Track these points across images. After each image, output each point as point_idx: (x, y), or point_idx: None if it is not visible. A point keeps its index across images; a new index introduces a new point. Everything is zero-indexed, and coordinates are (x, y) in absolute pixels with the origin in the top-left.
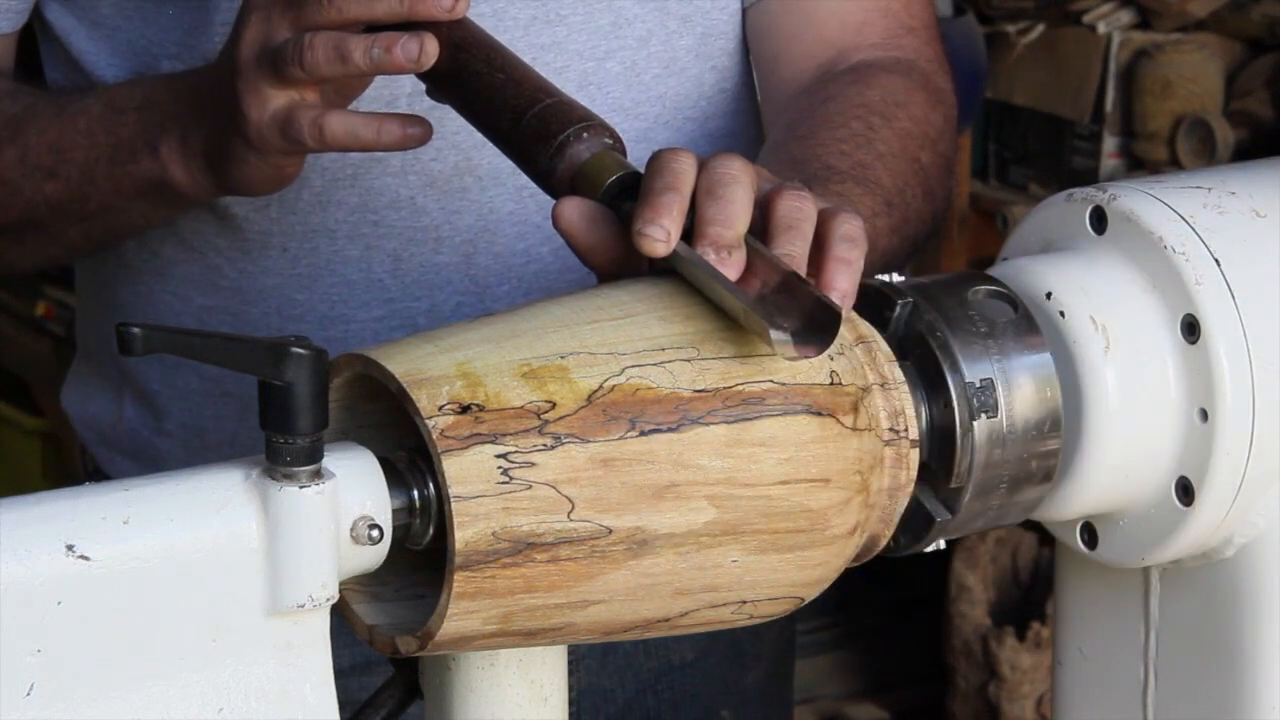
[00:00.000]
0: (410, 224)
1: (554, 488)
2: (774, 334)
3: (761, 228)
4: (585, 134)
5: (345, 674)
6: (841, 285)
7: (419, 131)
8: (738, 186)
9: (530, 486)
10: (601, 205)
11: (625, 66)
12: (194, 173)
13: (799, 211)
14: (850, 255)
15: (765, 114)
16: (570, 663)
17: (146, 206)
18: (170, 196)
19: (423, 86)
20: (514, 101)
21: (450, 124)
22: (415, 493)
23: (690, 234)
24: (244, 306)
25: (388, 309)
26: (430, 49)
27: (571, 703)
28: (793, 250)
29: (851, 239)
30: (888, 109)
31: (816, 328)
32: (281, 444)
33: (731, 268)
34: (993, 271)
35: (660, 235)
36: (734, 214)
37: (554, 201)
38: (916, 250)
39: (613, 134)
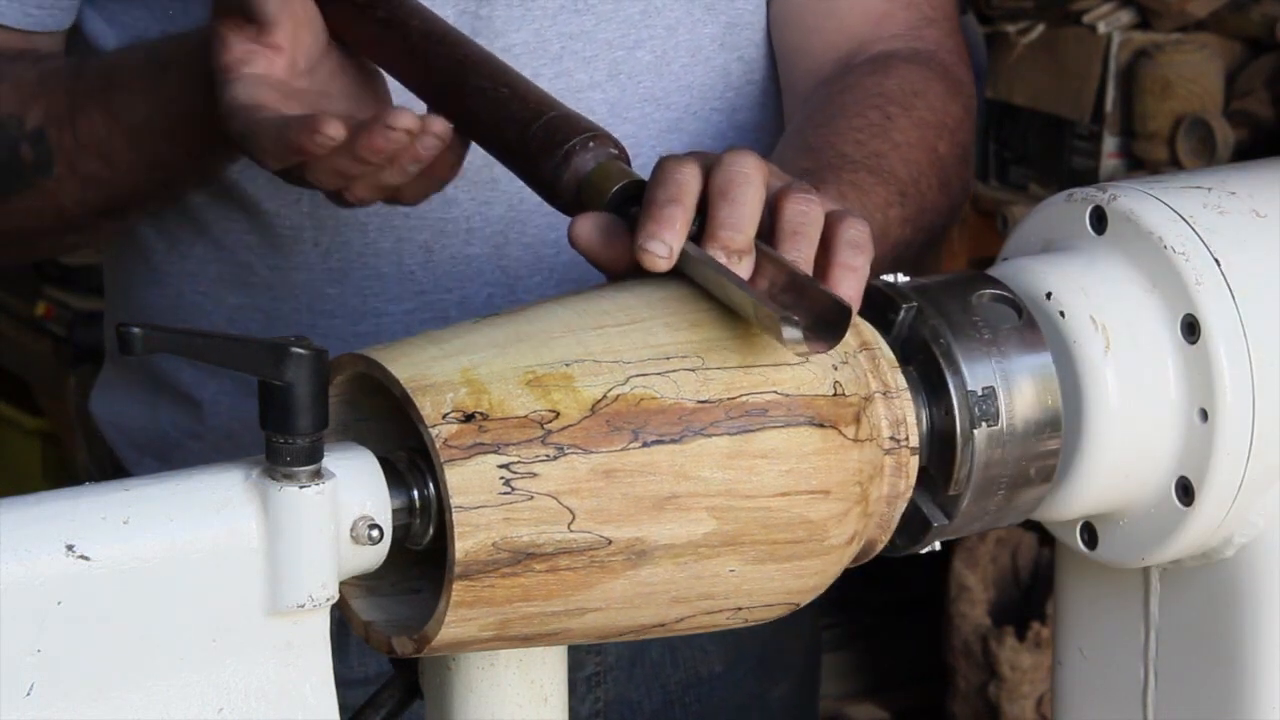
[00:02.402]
0: (441, 215)
1: (555, 499)
2: (785, 329)
3: (768, 230)
4: (590, 144)
5: (372, 682)
6: (847, 292)
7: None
8: (749, 187)
9: (532, 497)
10: (615, 217)
11: (656, 56)
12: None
13: (805, 216)
14: (855, 262)
15: (786, 105)
16: (598, 674)
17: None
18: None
19: None
20: (518, 115)
21: None
22: (415, 493)
23: (698, 235)
24: (275, 303)
25: (419, 301)
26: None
27: (599, 714)
28: (798, 257)
29: (857, 245)
30: (905, 99)
31: (827, 323)
32: (281, 444)
33: (741, 272)
34: (993, 271)
35: (662, 251)
36: (745, 216)
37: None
38: (933, 241)
39: (617, 145)
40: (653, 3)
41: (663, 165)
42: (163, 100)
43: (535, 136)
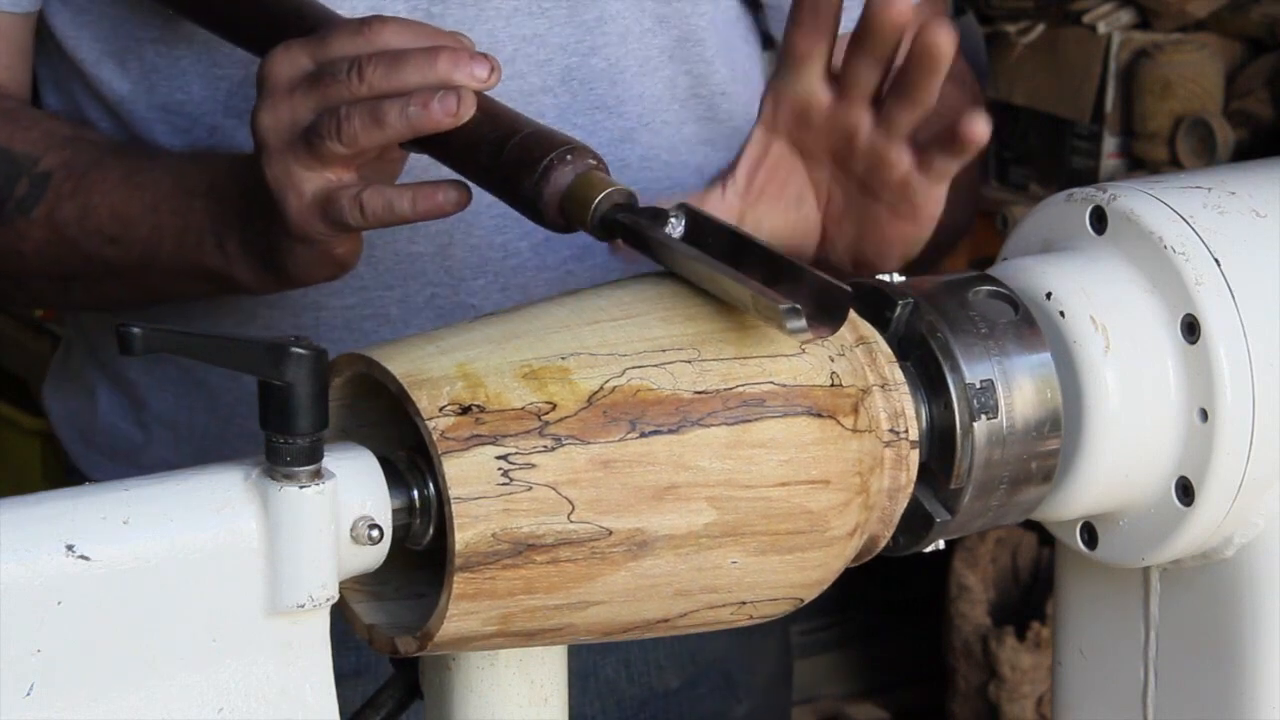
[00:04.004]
0: None
1: (554, 489)
2: (788, 317)
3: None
4: (568, 157)
5: (347, 679)
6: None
7: (456, 196)
8: None
9: (530, 488)
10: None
11: (609, 63)
12: (257, 271)
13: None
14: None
15: None
16: None
17: (208, 289)
18: (233, 288)
19: None
20: (491, 135)
21: None
22: (415, 493)
23: (696, 233)
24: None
25: (360, 297)
26: (468, 101)
27: None
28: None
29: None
30: None
31: (827, 308)
32: (281, 444)
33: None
34: (993, 271)
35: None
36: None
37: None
38: (941, 253)
39: (595, 156)
40: (606, 10)
41: None
42: (181, 229)
43: (510, 156)
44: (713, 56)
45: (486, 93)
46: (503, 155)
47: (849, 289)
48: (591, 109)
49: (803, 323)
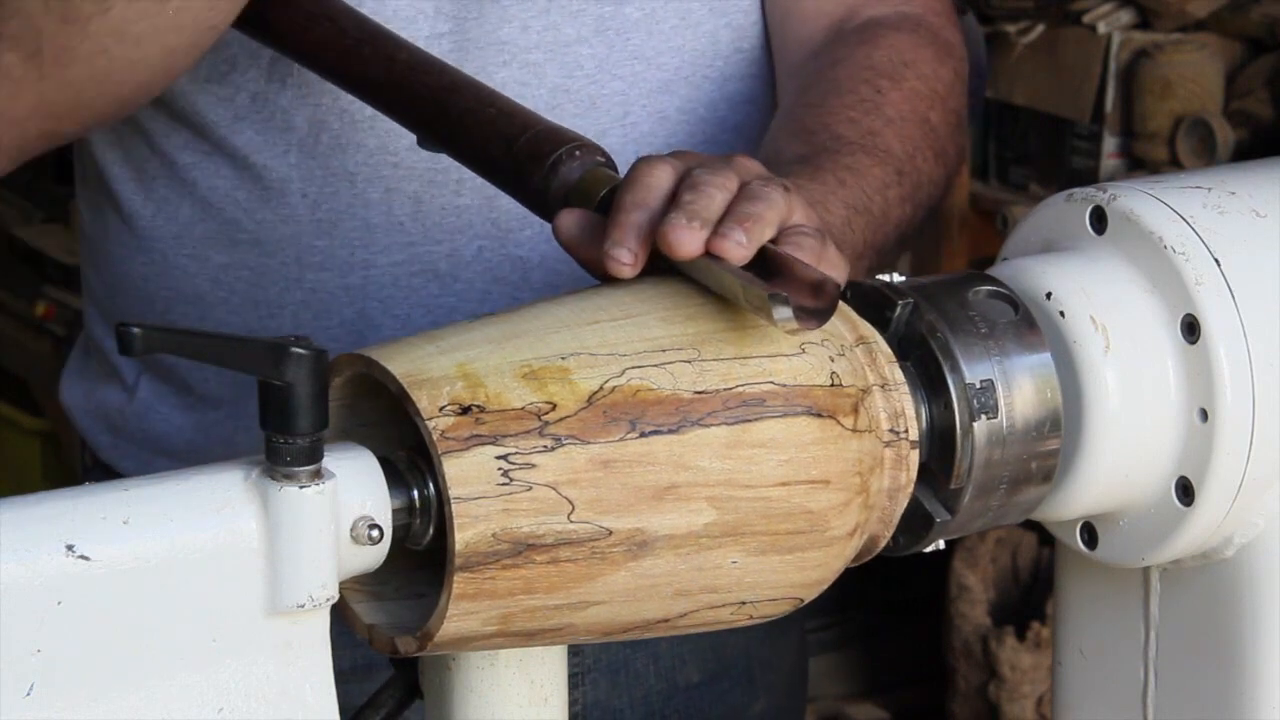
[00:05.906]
0: (431, 166)
1: (554, 489)
2: (776, 308)
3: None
4: (577, 153)
5: (345, 676)
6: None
7: None
8: (717, 189)
9: (530, 488)
10: (598, 215)
11: (644, 13)
12: None
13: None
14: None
15: (778, 73)
16: (576, 675)
17: None
18: None
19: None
20: (505, 130)
21: (469, 63)
22: (415, 493)
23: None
24: (263, 259)
25: (408, 253)
26: None
27: (578, 716)
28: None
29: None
30: (895, 70)
31: (818, 301)
32: (281, 444)
33: (697, 239)
34: (993, 271)
35: (626, 259)
36: (713, 198)
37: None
38: (930, 215)
39: (603, 153)
40: None
41: (635, 166)
42: None
43: (521, 150)
44: (751, 8)
45: (503, 91)
46: (513, 150)
47: (840, 282)
48: (630, 59)
49: (789, 311)
